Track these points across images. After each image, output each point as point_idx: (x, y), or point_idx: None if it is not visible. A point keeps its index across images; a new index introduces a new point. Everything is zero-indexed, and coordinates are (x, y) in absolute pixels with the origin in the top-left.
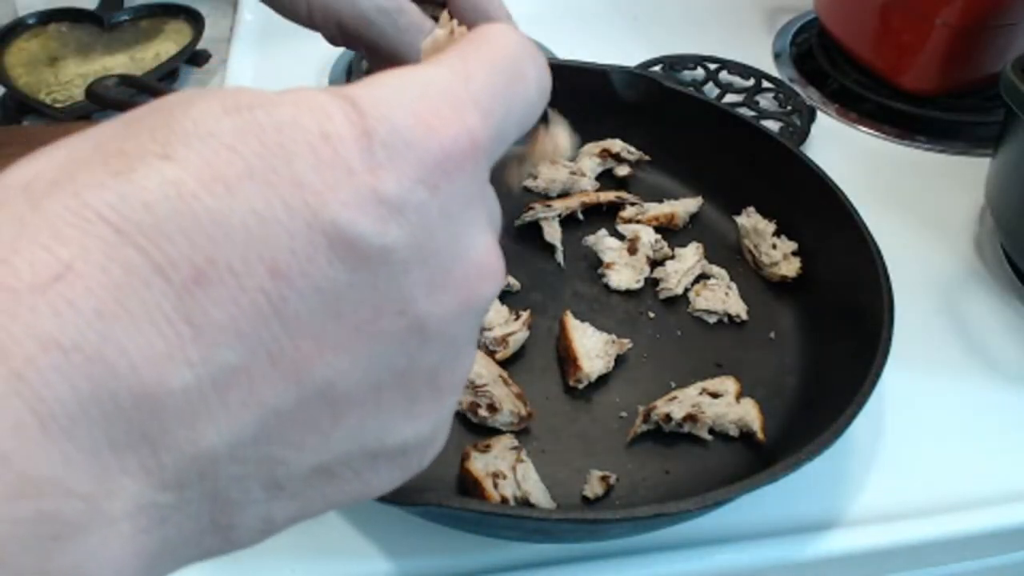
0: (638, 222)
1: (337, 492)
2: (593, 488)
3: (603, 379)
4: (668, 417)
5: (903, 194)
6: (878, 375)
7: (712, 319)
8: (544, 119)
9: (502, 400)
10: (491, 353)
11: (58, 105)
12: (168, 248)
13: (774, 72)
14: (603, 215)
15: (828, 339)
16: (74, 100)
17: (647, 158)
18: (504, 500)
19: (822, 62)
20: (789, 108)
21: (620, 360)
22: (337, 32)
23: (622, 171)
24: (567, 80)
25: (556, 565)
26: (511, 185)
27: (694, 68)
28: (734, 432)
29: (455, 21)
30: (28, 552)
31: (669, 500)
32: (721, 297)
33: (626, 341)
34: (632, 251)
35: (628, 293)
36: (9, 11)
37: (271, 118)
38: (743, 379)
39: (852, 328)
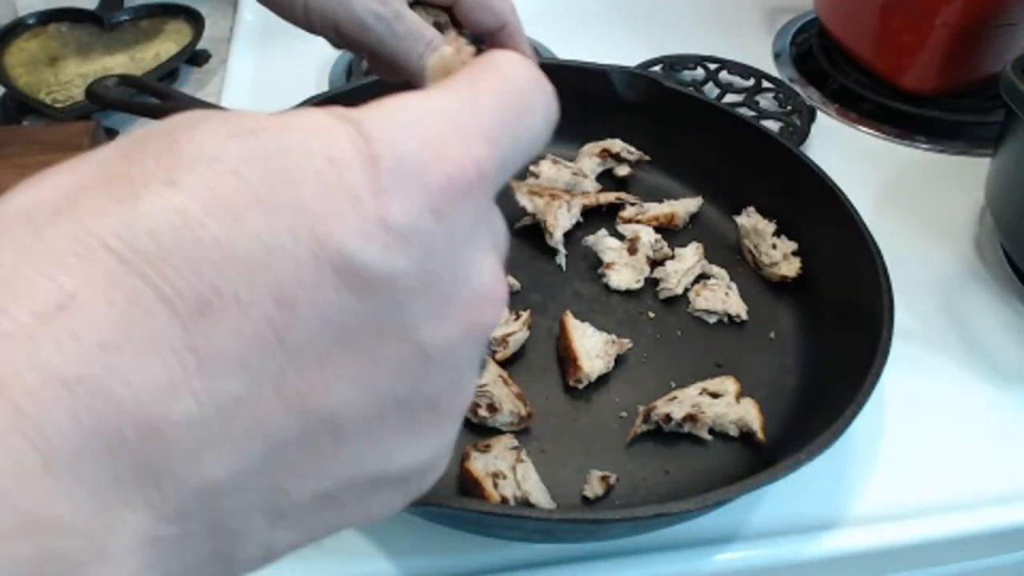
0: (638, 222)
1: (338, 518)
2: (593, 488)
3: (603, 379)
4: (668, 417)
5: (903, 194)
6: (878, 375)
7: (712, 319)
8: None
9: (502, 400)
10: (491, 353)
11: (58, 105)
12: (173, 277)
13: (774, 72)
14: (603, 215)
15: (828, 339)
16: (74, 100)
17: (647, 158)
18: (504, 500)
19: (822, 62)
20: (789, 108)
21: (620, 360)
22: (335, 36)
23: (622, 171)
24: (567, 80)
25: (556, 565)
26: None
27: (694, 68)
28: (734, 432)
29: (461, 39)
30: None
31: (669, 500)
32: (721, 297)
33: (626, 341)
34: (632, 251)
35: (628, 293)
36: (9, 11)
37: (277, 142)
38: (743, 379)
39: (852, 328)
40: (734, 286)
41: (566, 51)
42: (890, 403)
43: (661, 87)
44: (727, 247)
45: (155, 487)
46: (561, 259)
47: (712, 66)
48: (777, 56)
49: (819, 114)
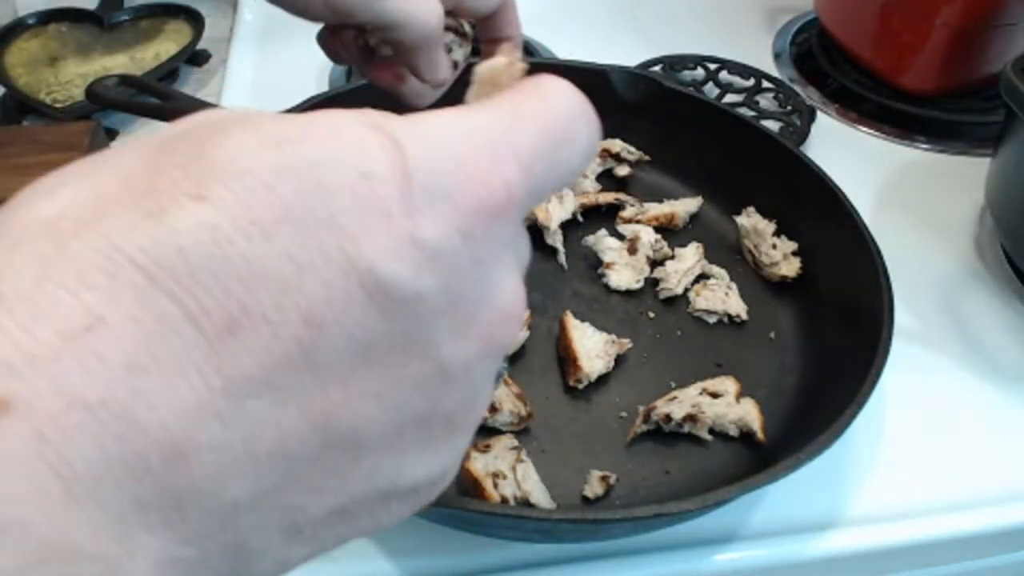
0: (638, 222)
1: (350, 530)
2: (593, 488)
3: (603, 379)
4: (668, 417)
5: (903, 194)
6: (878, 375)
7: (712, 319)
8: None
9: (502, 400)
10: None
11: (58, 105)
12: (202, 296)
13: (774, 72)
14: (603, 215)
15: (828, 339)
16: (74, 100)
17: (647, 158)
18: (504, 500)
19: (822, 62)
20: (789, 108)
21: (620, 360)
22: (328, 14)
23: (622, 171)
24: (567, 80)
25: (556, 565)
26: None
27: (694, 68)
28: (734, 432)
29: (518, 53)
30: None
31: (669, 500)
32: (721, 297)
33: (626, 341)
34: (632, 251)
35: (628, 293)
36: (9, 11)
37: (310, 154)
38: (743, 379)
39: (852, 328)
40: (734, 286)
41: (566, 51)
42: (890, 403)
43: (661, 87)
44: (727, 247)
45: (176, 510)
46: (562, 258)
47: (712, 66)
48: (777, 56)
49: (819, 114)
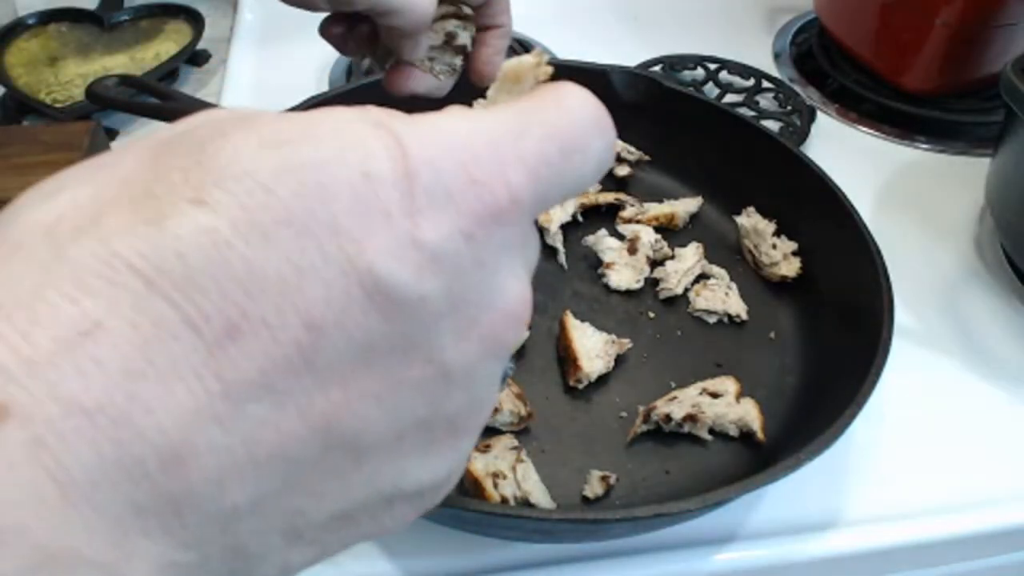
0: (638, 222)
1: (353, 534)
2: (593, 488)
3: (603, 379)
4: (668, 417)
5: (903, 194)
6: (878, 375)
7: (712, 319)
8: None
9: (502, 400)
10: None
11: (58, 105)
12: (201, 301)
13: (774, 72)
14: (603, 215)
15: (828, 339)
16: (74, 100)
17: (647, 158)
18: (504, 500)
19: (822, 62)
20: (789, 108)
21: (620, 360)
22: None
23: (622, 171)
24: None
25: (556, 565)
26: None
27: (694, 68)
28: (734, 432)
29: (546, 56)
30: None
31: (669, 500)
32: (721, 297)
33: (626, 341)
34: (632, 251)
35: (628, 293)
36: (9, 11)
37: (311, 154)
38: (743, 379)
39: (852, 328)
40: (734, 286)
41: (566, 51)
42: (890, 403)
43: (661, 87)
44: (727, 247)
45: (174, 515)
46: (562, 258)
47: (712, 66)
48: (777, 56)
49: (819, 114)
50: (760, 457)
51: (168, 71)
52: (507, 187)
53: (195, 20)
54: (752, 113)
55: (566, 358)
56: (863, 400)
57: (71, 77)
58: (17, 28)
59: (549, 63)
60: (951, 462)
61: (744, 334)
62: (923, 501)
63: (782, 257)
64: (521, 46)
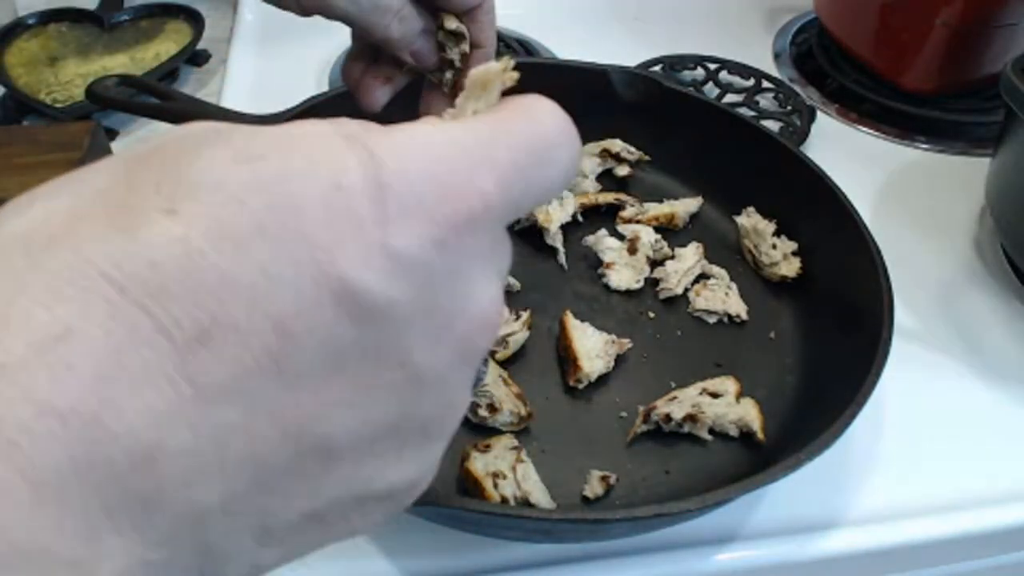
0: (638, 222)
1: (324, 535)
2: (593, 488)
3: (603, 379)
4: (668, 417)
5: (903, 194)
6: (878, 375)
7: (712, 319)
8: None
9: (502, 400)
10: (491, 353)
11: (58, 105)
12: (173, 308)
13: (774, 72)
14: (603, 215)
15: (828, 339)
16: (74, 100)
17: (647, 158)
18: (504, 500)
19: (822, 62)
20: (789, 108)
21: (620, 360)
22: (296, 7)
23: (622, 171)
24: (567, 80)
25: (556, 565)
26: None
27: (694, 68)
28: (734, 432)
29: (513, 63)
30: None
31: (669, 500)
32: (721, 297)
33: (626, 341)
34: (632, 251)
35: (628, 293)
36: (9, 11)
37: (283, 167)
38: (743, 379)
39: (852, 328)
40: (734, 286)
41: (566, 51)
42: (890, 403)
43: (661, 87)
44: (727, 247)
45: (145, 514)
46: (562, 258)
47: (712, 66)
48: (777, 56)
49: (819, 114)
50: (760, 457)
51: (168, 71)
52: (479, 195)
53: (195, 20)
54: (752, 113)
55: (566, 358)
56: (863, 400)
57: (71, 77)
58: (17, 28)
59: (530, 61)
60: (951, 462)
61: (744, 334)
62: (923, 501)
63: (782, 257)
64: (521, 46)
